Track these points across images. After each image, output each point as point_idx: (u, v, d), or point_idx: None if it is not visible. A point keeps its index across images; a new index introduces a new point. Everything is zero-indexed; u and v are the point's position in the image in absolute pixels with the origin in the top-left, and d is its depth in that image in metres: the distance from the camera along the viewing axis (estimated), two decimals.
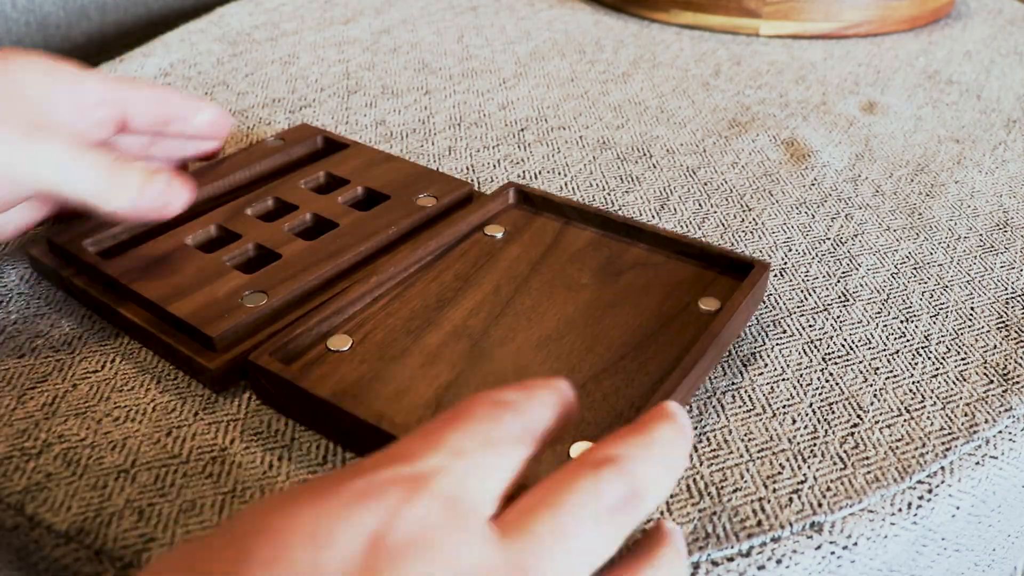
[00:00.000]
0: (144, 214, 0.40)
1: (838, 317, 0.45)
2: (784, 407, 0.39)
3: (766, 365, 0.42)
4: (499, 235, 0.48)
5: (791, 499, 0.35)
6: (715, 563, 0.32)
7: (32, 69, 0.40)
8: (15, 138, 0.37)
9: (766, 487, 0.35)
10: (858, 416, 0.39)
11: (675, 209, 0.55)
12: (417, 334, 0.41)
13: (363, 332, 0.41)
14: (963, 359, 0.43)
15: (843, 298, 0.47)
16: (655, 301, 0.43)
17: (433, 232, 0.47)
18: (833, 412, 0.39)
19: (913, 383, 0.41)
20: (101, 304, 0.42)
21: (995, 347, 0.44)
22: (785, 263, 0.50)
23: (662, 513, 0.34)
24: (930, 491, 0.36)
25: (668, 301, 0.43)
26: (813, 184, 0.59)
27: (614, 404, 0.37)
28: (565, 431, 0.28)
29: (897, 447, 0.38)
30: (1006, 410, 0.40)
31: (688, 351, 0.39)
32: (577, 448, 0.35)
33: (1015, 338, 0.45)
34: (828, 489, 0.35)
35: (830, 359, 0.43)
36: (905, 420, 0.39)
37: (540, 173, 0.59)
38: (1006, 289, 0.48)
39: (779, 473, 0.36)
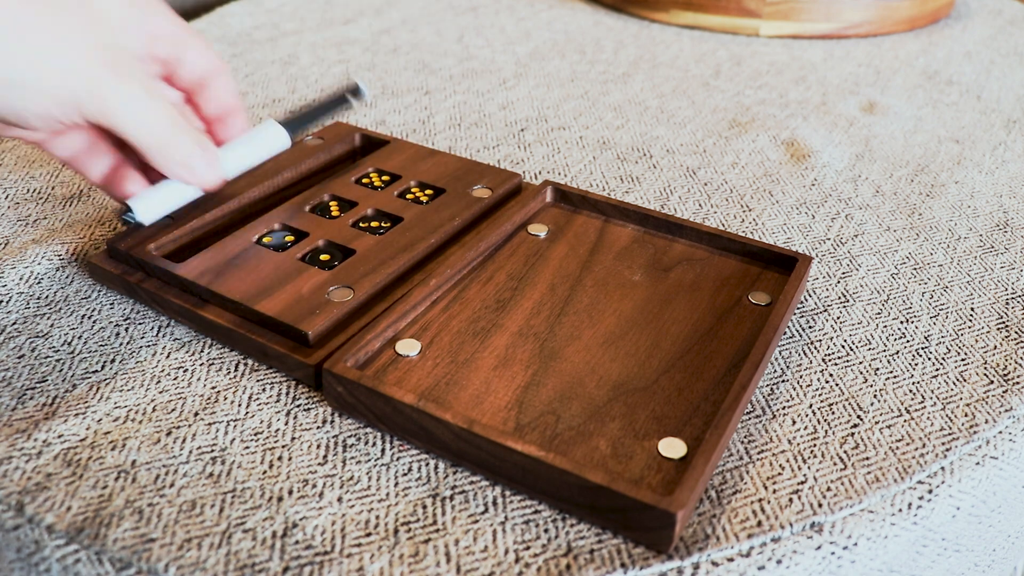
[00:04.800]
0: (188, 179, 0.40)
1: (838, 318, 0.45)
2: (784, 408, 0.39)
3: (766, 366, 0.42)
4: (542, 234, 0.49)
5: (791, 500, 0.35)
6: (715, 563, 0.32)
7: None
8: (98, 69, 0.36)
9: (766, 488, 0.35)
10: (858, 417, 0.39)
11: (675, 209, 0.55)
12: (483, 336, 0.41)
13: (429, 336, 0.41)
14: (963, 360, 0.43)
15: (843, 298, 0.47)
16: (707, 296, 0.44)
17: (479, 233, 0.48)
18: (833, 413, 0.39)
19: (913, 384, 0.41)
20: (179, 307, 0.42)
21: (995, 348, 0.44)
22: None
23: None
24: (930, 491, 0.36)
25: (719, 296, 0.44)
26: (813, 184, 0.59)
27: (689, 398, 0.38)
28: None
29: (897, 447, 0.38)
30: (1006, 410, 0.40)
31: (749, 344, 0.41)
32: (665, 444, 0.35)
33: (1015, 338, 0.45)
34: (828, 489, 0.35)
35: (830, 360, 0.43)
36: (905, 420, 0.39)
37: (540, 173, 0.59)
38: (1006, 289, 0.48)
39: (779, 474, 0.36)
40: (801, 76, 0.77)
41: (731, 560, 0.32)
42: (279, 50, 0.79)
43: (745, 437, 0.38)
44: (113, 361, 0.41)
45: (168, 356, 0.41)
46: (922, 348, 0.44)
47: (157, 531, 0.33)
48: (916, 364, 0.42)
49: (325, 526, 0.33)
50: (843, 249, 0.51)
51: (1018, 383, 0.42)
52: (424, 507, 0.34)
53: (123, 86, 0.37)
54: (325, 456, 0.36)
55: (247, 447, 0.37)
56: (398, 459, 0.36)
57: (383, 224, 0.49)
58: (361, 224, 0.48)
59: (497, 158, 0.61)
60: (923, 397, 0.40)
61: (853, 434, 0.38)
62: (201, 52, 0.43)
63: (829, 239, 0.52)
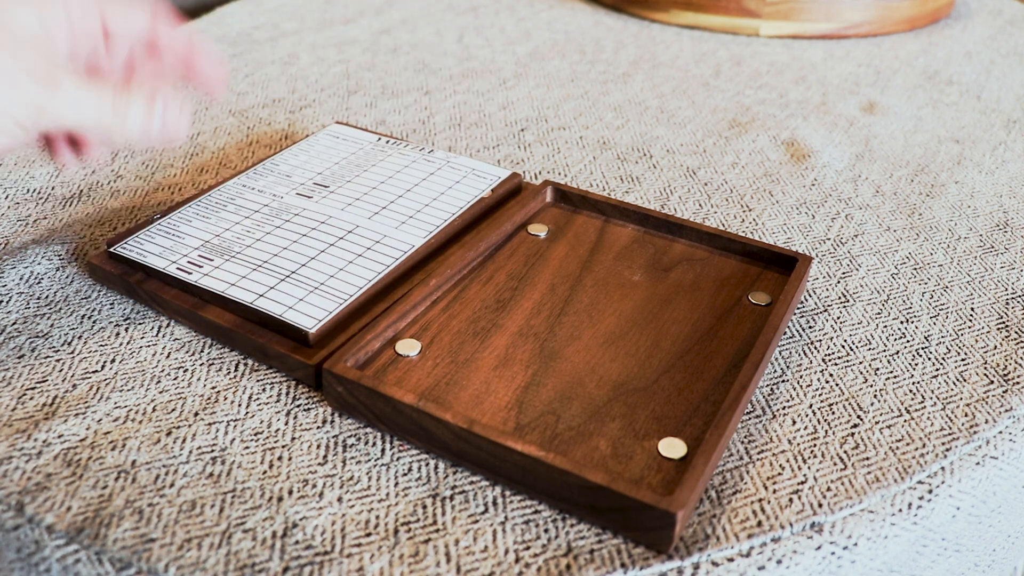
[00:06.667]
0: (153, 140, 0.40)
1: (838, 318, 0.45)
2: (784, 408, 0.39)
3: (766, 366, 0.42)
4: (542, 234, 0.49)
5: (791, 500, 0.35)
6: (715, 563, 0.32)
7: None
8: (35, 88, 0.37)
9: (766, 488, 0.35)
10: (858, 417, 0.39)
11: (675, 209, 0.55)
12: (483, 336, 0.41)
13: (429, 336, 0.41)
14: (963, 360, 0.43)
15: (843, 298, 0.47)
16: (707, 296, 0.44)
17: (479, 233, 0.48)
18: (833, 413, 0.39)
19: (913, 384, 0.41)
20: (179, 307, 0.42)
21: (995, 348, 0.44)
22: None
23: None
24: (930, 491, 0.36)
25: (719, 296, 0.44)
26: (813, 184, 0.59)
27: (689, 398, 0.38)
28: None
29: (897, 447, 0.38)
30: (1006, 410, 0.40)
31: (749, 344, 0.41)
32: (665, 444, 0.35)
33: (1015, 338, 0.45)
34: (828, 489, 0.35)
35: (830, 360, 0.43)
36: (905, 420, 0.39)
37: (540, 173, 0.59)
38: (1006, 289, 0.48)
39: (779, 474, 0.36)
40: (801, 76, 0.77)
41: (731, 560, 0.32)
42: (279, 50, 0.79)
43: (745, 437, 0.38)
44: (113, 361, 0.41)
45: (168, 356, 0.41)
46: (922, 348, 0.44)
47: (157, 531, 0.33)
48: (916, 364, 0.42)
49: (325, 526, 0.33)
50: (843, 249, 0.51)
51: (1018, 383, 0.42)
52: (424, 507, 0.34)
53: (60, 92, 0.37)
54: (325, 456, 0.36)
55: (247, 447, 0.37)
56: (398, 459, 0.36)
57: None
58: None
59: (497, 158, 0.61)
60: (923, 397, 0.40)
61: (853, 434, 0.38)
62: (126, 16, 0.42)
63: (829, 239, 0.52)
